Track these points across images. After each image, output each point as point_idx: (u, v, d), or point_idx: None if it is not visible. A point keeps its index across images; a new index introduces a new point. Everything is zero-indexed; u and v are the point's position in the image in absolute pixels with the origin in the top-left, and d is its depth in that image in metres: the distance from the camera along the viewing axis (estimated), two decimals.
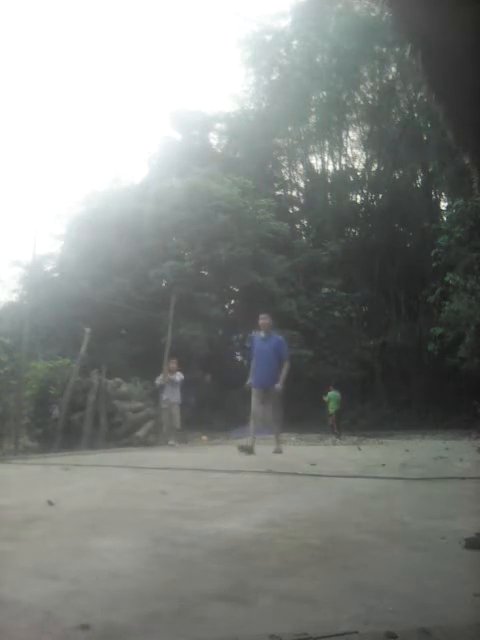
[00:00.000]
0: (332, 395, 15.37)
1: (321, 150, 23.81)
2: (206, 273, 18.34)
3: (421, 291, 19.34)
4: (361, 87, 22.84)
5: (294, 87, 21.09)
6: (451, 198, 19.06)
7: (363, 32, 19.20)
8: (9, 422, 9.14)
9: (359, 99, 23.12)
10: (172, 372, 10.48)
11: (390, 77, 22.39)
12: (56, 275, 19.36)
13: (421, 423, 16.38)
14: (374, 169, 23.36)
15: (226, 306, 19.89)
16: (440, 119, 2.15)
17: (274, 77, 23.23)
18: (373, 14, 18.57)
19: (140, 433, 10.14)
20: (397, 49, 18.54)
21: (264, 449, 7.61)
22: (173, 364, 10.56)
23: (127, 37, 48.81)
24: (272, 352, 7.85)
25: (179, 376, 10.47)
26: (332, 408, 15.27)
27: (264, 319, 8.18)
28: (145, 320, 16.52)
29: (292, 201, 25.06)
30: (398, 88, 22.19)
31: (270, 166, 24.31)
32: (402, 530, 2.75)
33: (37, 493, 3.75)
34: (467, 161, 2.19)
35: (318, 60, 21.84)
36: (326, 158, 23.85)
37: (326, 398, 15.35)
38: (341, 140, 23.58)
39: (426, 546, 2.40)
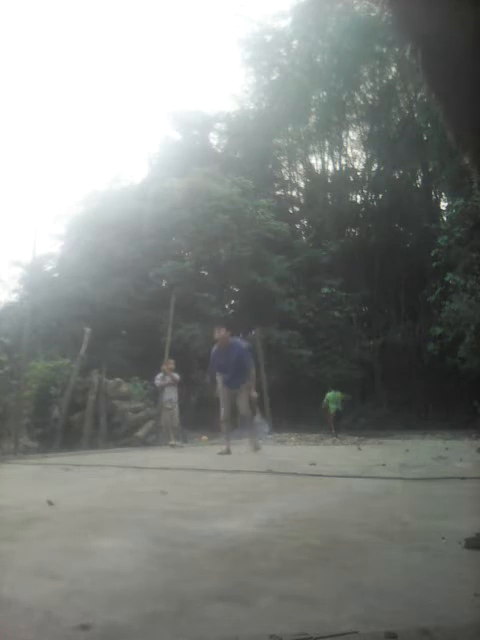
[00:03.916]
0: (330, 396, 15.36)
1: (321, 150, 23.84)
2: (206, 273, 18.36)
3: (421, 291, 19.34)
4: (361, 87, 22.85)
5: (294, 87, 21.09)
6: (451, 198, 19.06)
7: (363, 32, 19.21)
8: (9, 422, 9.14)
9: (359, 99, 23.14)
10: (171, 372, 10.47)
11: (390, 77, 22.41)
12: (56, 275, 19.37)
13: (421, 423, 16.38)
14: (374, 169, 23.37)
15: (226, 306, 19.89)
16: (440, 119, 2.15)
17: (274, 77, 23.24)
18: (373, 14, 18.55)
19: (140, 433, 10.14)
20: (397, 49, 18.52)
21: (266, 449, 7.61)
22: (171, 364, 10.55)
23: (127, 37, 48.83)
24: (234, 365, 7.52)
25: (176, 376, 10.48)
26: (331, 408, 15.27)
27: (219, 332, 7.69)
28: (145, 320, 16.54)
29: (292, 201, 25.07)
30: (398, 88, 22.20)
31: (270, 166, 24.32)
32: (402, 530, 2.75)
33: (37, 493, 3.75)
34: (467, 161, 2.19)
35: (318, 60, 21.84)
36: (326, 158, 23.89)
37: (325, 399, 15.34)
38: (341, 140, 23.60)
39: (426, 546, 2.40)
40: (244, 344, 8.03)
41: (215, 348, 7.90)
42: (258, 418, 8.25)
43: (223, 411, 7.81)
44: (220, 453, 7.53)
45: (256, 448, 7.37)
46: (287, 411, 15.76)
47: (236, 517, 3.02)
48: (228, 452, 7.49)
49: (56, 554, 2.28)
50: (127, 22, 49.13)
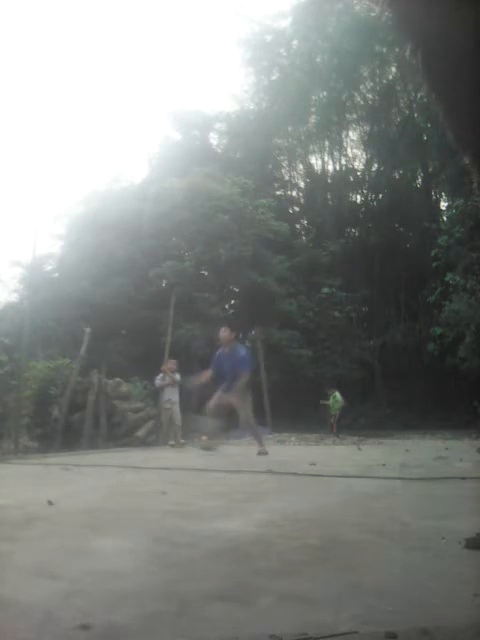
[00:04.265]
0: (337, 396, 15.32)
1: (321, 150, 23.82)
2: (206, 273, 18.33)
3: (421, 291, 19.33)
4: (361, 87, 22.83)
5: (294, 87, 21.07)
6: (451, 198, 19.05)
7: (363, 32, 19.19)
8: (9, 422, 9.14)
9: (359, 99, 23.12)
10: (172, 372, 10.44)
11: (390, 77, 22.39)
12: (56, 275, 19.34)
13: (421, 423, 16.36)
14: (374, 169, 23.36)
15: (226, 306, 19.87)
16: (440, 119, 2.15)
17: (274, 77, 23.22)
18: (373, 14, 18.52)
19: (140, 433, 10.14)
20: (397, 49, 18.51)
21: (253, 450, 7.61)
22: (172, 364, 10.52)
23: (127, 37, 48.80)
24: (233, 370, 7.53)
25: (178, 376, 10.44)
26: (334, 408, 15.22)
27: (224, 332, 7.79)
28: (145, 320, 16.51)
29: (292, 201, 25.05)
30: (398, 88, 22.19)
31: (270, 166, 24.29)
32: (402, 530, 2.75)
33: (37, 493, 3.75)
34: (467, 161, 2.18)
35: (318, 60, 21.82)
36: (326, 158, 23.86)
37: (330, 400, 15.28)
38: (341, 140, 23.58)
39: (426, 546, 2.40)
40: (244, 351, 8.01)
41: (220, 350, 7.93)
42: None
43: (212, 401, 7.74)
44: (203, 447, 7.49)
45: (261, 452, 7.33)
46: (287, 411, 15.75)
47: (236, 517, 3.02)
48: (213, 448, 7.46)
49: (56, 554, 2.29)
50: (127, 22, 49.12)
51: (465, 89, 1.92)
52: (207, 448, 7.56)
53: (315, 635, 1.43)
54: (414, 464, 5.91)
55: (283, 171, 25.43)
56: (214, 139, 24.61)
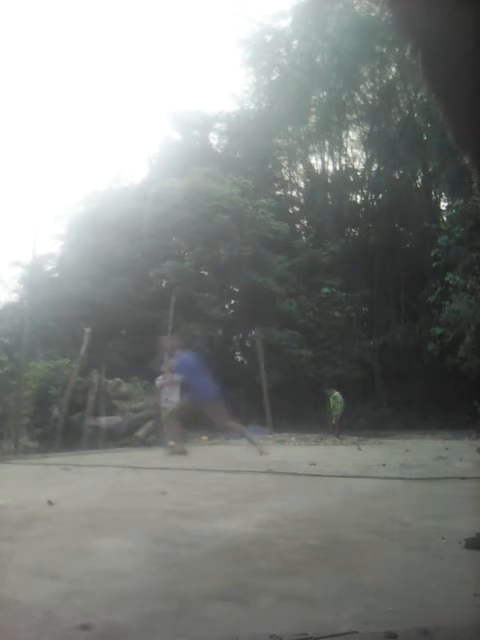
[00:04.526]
0: (338, 396, 15.29)
1: (321, 150, 23.82)
2: (206, 273, 18.34)
3: (421, 291, 19.32)
4: (361, 87, 22.83)
5: (294, 87, 21.07)
6: (451, 198, 19.04)
7: (363, 32, 19.18)
8: (9, 422, 9.14)
9: (359, 99, 23.12)
10: (172, 372, 10.42)
11: (390, 77, 22.39)
12: (56, 275, 19.35)
13: (421, 423, 16.36)
14: (374, 169, 23.36)
15: (226, 306, 19.88)
16: (440, 119, 2.15)
17: (274, 77, 23.22)
18: (373, 14, 18.51)
19: (140, 433, 10.14)
20: (397, 49, 18.50)
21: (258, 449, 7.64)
22: (172, 364, 10.48)
23: (127, 37, 48.81)
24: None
25: (178, 376, 10.40)
26: (336, 409, 15.19)
27: (163, 341, 8.53)
28: (145, 320, 16.52)
29: (292, 201, 25.05)
30: (398, 88, 22.18)
31: (270, 166, 24.30)
32: (402, 530, 2.75)
33: (37, 493, 3.75)
34: (467, 161, 2.18)
35: (318, 60, 21.81)
36: (326, 158, 23.86)
37: (331, 402, 15.24)
38: (341, 140, 23.58)
39: (426, 546, 2.40)
40: (184, 356, 8.47)
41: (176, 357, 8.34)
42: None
43: (176, 407, 8.09)
44: (173, 452, 7.65)
45: (263, 452, 7.42)
46: (287, 411, 15.75)
47: (236, 517, 3.03)
48: (183, 451, 7.64)
49: (56, 554, 2.29)
50: (127, 22, 49.13)
51: (465, 89, 1.92)
52: (178, 452, 7.69)
53: (315, 635, 1.43)
54: (414, 464, 5.91)
55: (283, 171, 25.44)
56: (214, 139, 24.64)
